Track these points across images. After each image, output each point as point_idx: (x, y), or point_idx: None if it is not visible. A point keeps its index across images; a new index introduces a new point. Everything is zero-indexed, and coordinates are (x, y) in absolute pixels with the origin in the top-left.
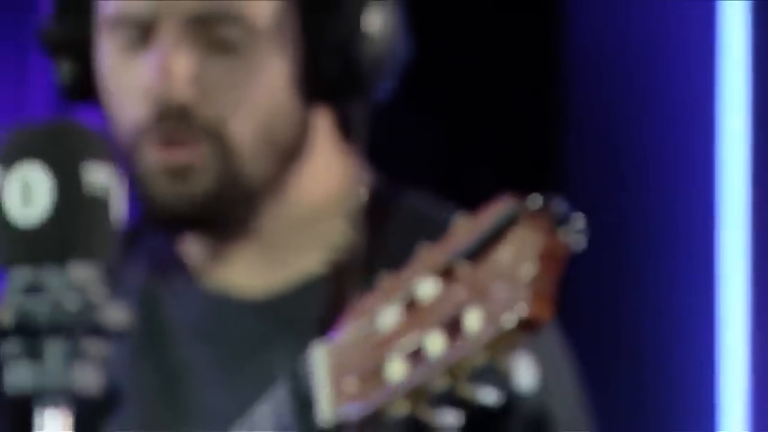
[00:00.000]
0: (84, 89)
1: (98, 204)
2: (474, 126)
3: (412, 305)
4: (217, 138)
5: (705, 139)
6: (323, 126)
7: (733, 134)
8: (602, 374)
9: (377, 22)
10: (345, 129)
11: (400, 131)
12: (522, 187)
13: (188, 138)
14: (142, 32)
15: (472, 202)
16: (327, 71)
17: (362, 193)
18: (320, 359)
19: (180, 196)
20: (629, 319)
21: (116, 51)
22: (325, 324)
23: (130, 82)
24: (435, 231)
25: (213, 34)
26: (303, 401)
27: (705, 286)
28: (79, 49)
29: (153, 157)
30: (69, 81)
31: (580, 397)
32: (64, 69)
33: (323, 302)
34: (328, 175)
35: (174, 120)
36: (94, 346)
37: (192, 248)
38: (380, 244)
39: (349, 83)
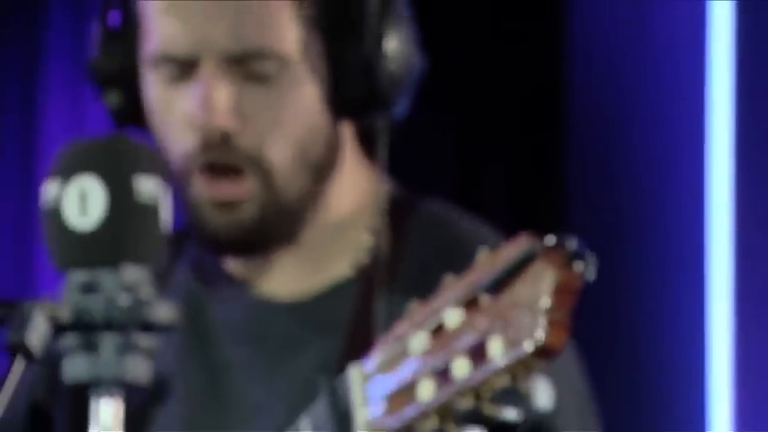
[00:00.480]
0: (133, 116)
1: (148, 212)
2: (482, 132)
3: (439, 331)
4: (258, 164)
5: (694, 140)
6: (348, 141)
7: (720, 140)
8: (597, 376)
9: (394, 43)
10: (368, 142)
11: (411, 135)
12: (525, 185)
13: (232, 165)
14: (184, 68)
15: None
16: (352, 92)
17: (384, 202)
18: (357, 378)
19: (228, 225)
20: (623, 322)
21: (160, 84)
22: (354, 323)
23: (175, 113)
24: (451, 235)
25: (249, 68)
26: (341, 416)
27: (694, 289)
28: (126, 78)
29: (202, 189)
30: (118, 108)
31: (592, 414)
32: (111, 98)
33: (352, 303)
34: (355, 187)
35: (218, 147)
36: (144, 340)
37: (235, 259)
38: (402, 247)
39: (372, 101)
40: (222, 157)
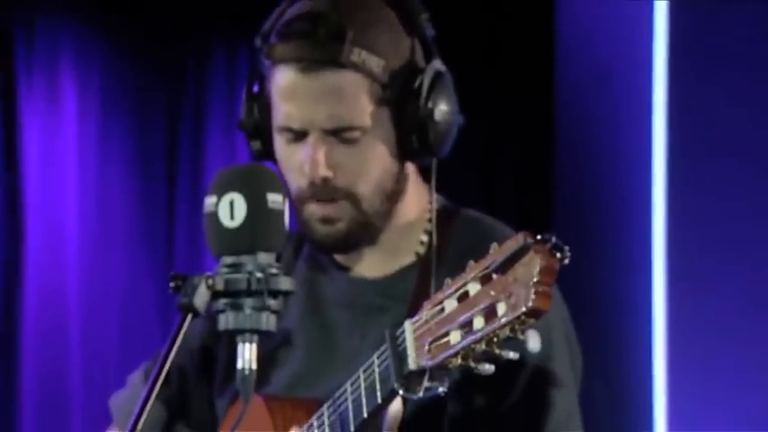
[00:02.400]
0: (267, 154)
1: (274, 217)
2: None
3: (464, 298)
4: (349, 197)
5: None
6: (411, 173)
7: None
8: None
9: (441, 109)
10: (423, 172)
11: None
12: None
13: (329, 197)
14: (298, 135)
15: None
16: (412, 145)
17: (435, 212)
18: (410, 330)
19: (329, 234)
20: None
21: (284, 143)
22: (415, 294)
23: (293, 163)
24: (481, 232)
25: (340, 136)
26: (399, 355)
27: (641, 293)
28: (261, 132)
29: (311, 210)
30: (256, 150)
31: (570, 359)
32: (253, 143)
33: (414, 281)
34: (415, 202)
35: (319, 187)
36: (272, 303)
37: (337, 253)
38: (447, 242)
39: (425, 151)
40: (322, 193)
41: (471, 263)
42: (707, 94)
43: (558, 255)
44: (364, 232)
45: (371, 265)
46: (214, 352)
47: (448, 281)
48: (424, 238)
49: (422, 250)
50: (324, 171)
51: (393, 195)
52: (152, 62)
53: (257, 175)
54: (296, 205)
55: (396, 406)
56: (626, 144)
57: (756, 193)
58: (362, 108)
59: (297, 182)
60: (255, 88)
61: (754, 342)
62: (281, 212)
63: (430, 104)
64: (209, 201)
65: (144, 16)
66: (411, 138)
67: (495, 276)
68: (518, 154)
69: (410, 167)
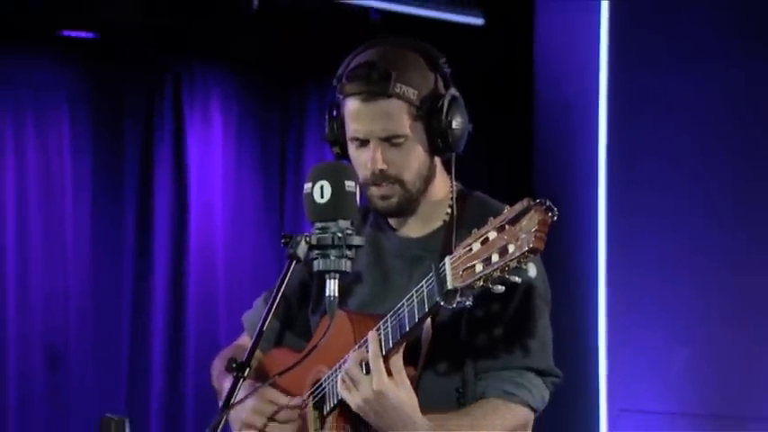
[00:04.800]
0: (344, 156)
1: (350, 196)
2: None
3: (486, 242)
4: (398, 181)
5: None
6: (438, 164)
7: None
8: None
9: (457, 121)
10: (446, 166)
11: None
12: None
13: (384, 182)
14: (363, 143)
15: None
16: (438, 145)
17: (455, 193)
18: (448, 262)
19: (386, 207)
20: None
21: (354, 148)
22: (443, 248)
23: (360, 161)
24: (486, 207)
25: (390, 142)
26: (441, 280)
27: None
28: (340, 142)
29: (373, 191)
30: (336, 154)
31: (546, 282)
32: (334, 150)
33: (442, 239)
34: (441, 187)
35: (378, 176)
36: (349, 253)
37: (391, 219)
38: (463, 214)
39: (448, 148)
40: (380, 179)
41: (491, 219)
42: (644, 107)
43: (550, 213)
44: (408, 205)
45: (413, 227)
46: (309, 285)
47: (474, 231)
48: (448, 210)
49: (446, 218)
50: (381, 165)
51: (427, 179)
52: (271, 98)
53: (338, 169)
54: (363, 189)
55: (427, 322)
56: (576, 147)
57: (677, 177)
58: (404, 123)
59: (363, 173)
60: (334, 113)
61: (673, 266)
62: (354, 194)
63: (449, 118)
64: (307, 186)
65: (266, 68)
66: (437, 141)
67: (507, 227)
68: (508, 156)
69: (437, 161)
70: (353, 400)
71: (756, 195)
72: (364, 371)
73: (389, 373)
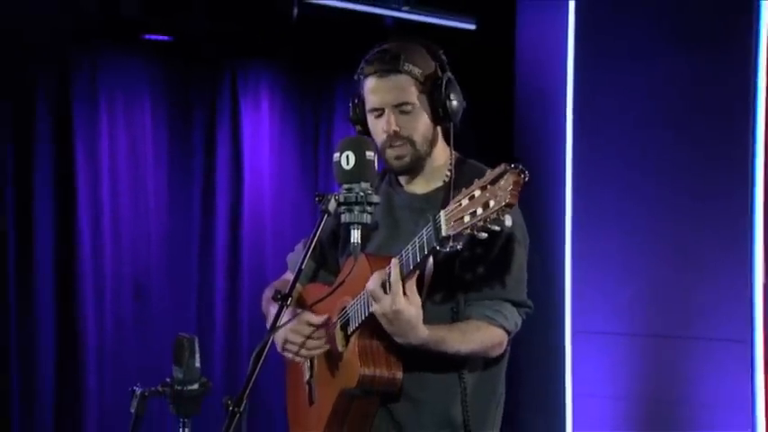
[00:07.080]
0: (366, 132)
1: (370, 164)
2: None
3: (473, 198)
4: (409, 141)
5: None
6: (439, 133)
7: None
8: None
9: (453, 96)
10: (446, 137)
11: None
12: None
13: (398, 143)
14: (379, 112)
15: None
16: (439, 114)
17: (453, 158)
18: (443, 215)
19: (399, 165)
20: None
21: (373, 118)
22: (443, 202)
23: (378, 129)
24: (478, 170)
25: (401, 109)
26: (437, 228)
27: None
28: (361, 119)
29: (389, 153)
30: (359, 130)
31: (523, 235)
32: (357, 127)
33: (441, 196)
34: (442, 153)
35: (393, 138)
36: (369, 207)
37: (401, 178)
38: (459, 176)
39: (447, 118)
40: (394, 141)
41: (476, 180)
42: (604, 90)
43: (523, 175)
44: (417, 164)
45: (419, 185)
46: (338, 234)
47: (464, 189)
48: (447, 173)
49: (446, 179)
50: (394, 126)
51: (431, 143)
52: (307, 88)
53: (360, 142)
54: (381, 152)
55: (430, 261)
56: (547, 122)
57: (633, 145)
58: (412, 93)
59: (380, 138)
60: (356, 100)
61: (627, 218)
62: (373, 162)
63: (447, 92)
64: (336, 155)
65: (303, 65)
66: (438, 110)
67: (488, 186)
68: (492, 129)
69: (439, 132)
70: (375, 311)
71: (694, 162)
72: (386, 290)
73: (404, 293)
